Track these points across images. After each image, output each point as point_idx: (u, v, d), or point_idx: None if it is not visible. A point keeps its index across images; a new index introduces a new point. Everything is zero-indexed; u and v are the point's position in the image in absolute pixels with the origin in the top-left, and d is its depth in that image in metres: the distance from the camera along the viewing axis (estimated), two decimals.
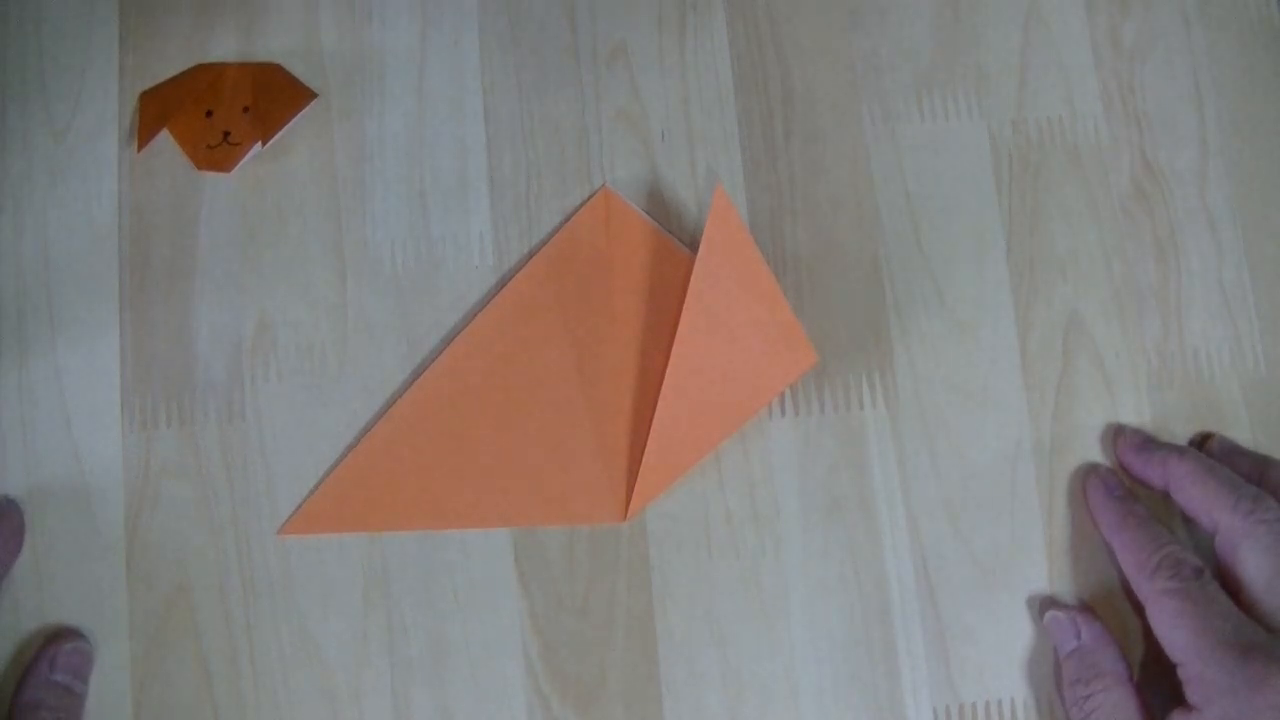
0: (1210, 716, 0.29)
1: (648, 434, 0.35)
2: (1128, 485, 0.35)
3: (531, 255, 0.37)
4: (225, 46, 0.38)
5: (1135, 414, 0.36)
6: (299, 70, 0.38)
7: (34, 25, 0.38)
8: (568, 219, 0.37)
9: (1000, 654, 0.35)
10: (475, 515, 0.35)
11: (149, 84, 0.37)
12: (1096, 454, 0.36)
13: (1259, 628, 0.30)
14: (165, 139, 0.37)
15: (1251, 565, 0.31)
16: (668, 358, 0.35)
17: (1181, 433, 0.36)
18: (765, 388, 0.35)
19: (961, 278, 0.37)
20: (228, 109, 0.37)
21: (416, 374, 0.36)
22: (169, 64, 0.38)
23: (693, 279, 0.34)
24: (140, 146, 0.37)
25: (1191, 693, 0.30)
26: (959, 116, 0.38)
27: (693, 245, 0.37)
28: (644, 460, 0.34)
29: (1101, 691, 0.32)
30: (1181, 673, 0.31)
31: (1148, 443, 0.35)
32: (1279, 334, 0.37)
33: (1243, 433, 0.37)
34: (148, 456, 0.35)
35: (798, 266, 0.37)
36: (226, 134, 0.37)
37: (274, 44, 0.38)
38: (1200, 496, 0.33)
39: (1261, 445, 0.36)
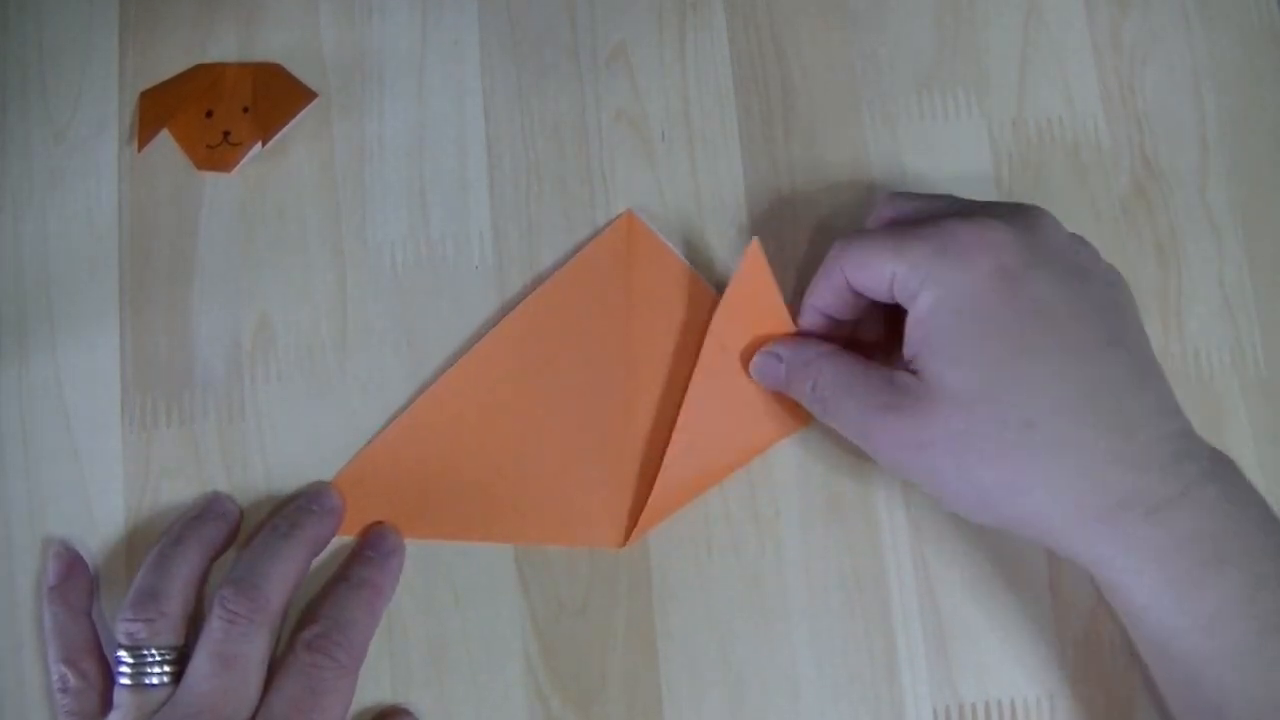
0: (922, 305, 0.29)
1: (655, 464, 0.34)
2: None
3: (532, 257, 0.37)
4: (225, 46, 0.38)
5: None
6: (299, 70, 0.38)
7: (34, 25, 0.38)
8: (567, 236, 0.36)
9: (1000, 654, 0.35)
10: (475, 530, 0.35)
11: (149, 84, 0.37)
12: None
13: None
14: (165, 139, 0.37)
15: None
16: (681, 390, 0.35)
17: None
18: (775, 430, 0.35)
19: None
20: (228, 109, 0.37)
21: (416, 374, 0.36)
22: (169, 64, 0.38)
23: (713, 322, 0.34)
24: (140, 146, 0.37)
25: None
26: (959, 116, 0.38)
27: (692, 248, 0.37)
28: (653, 491, 0.34)
29: (820, 370, 0.32)
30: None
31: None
32: (1279, 334, 0.37)
33: (1243, 433, 0.37)
34: (148, 456, 0.35)
35: (798, 267, 0.37)
36: (226, 134, 0.37)
37: (274, 44, 0.38)
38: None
39: (1262, 445, 0.36)
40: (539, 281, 0.36)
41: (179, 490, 0.35)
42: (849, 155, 0.38)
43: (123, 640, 0.31)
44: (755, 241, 0.34)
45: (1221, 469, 0.29)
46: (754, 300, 0.35)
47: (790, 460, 0.36)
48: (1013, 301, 0.28)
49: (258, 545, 0.32)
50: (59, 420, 0.35)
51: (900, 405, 0.29)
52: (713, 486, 0.35)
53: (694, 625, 0.35)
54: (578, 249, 0.36)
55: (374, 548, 0.34)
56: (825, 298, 0.33)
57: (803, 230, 0.37)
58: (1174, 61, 0.39)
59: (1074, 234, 0.31)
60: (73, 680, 0.32)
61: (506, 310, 0.36)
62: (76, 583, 0.34)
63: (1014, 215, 0.30)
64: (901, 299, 0.30)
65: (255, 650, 0.30)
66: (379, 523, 0.34)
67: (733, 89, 0.38)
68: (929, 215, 0.31)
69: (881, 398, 0.30)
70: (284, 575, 0.31)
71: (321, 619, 0.32)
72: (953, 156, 0.38)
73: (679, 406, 0.35)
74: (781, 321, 0.35)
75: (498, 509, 0.35)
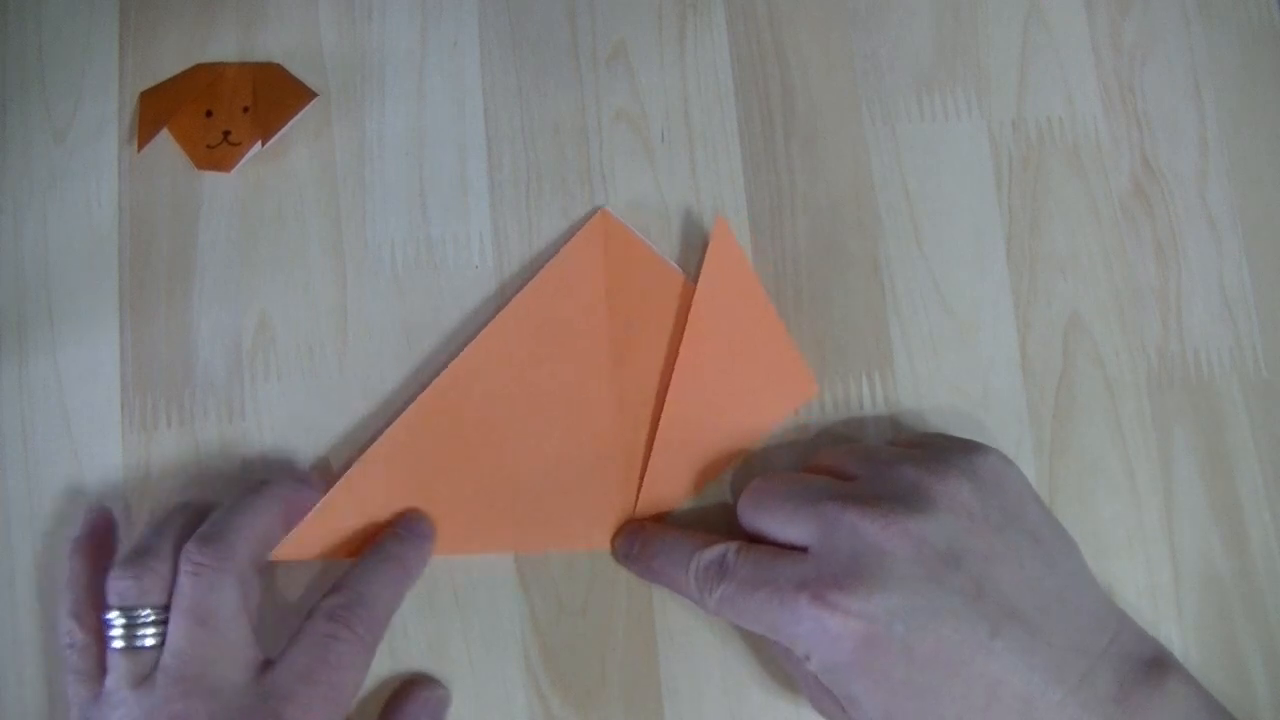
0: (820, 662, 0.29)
1: (645, 461, 0.35)
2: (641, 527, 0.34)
3: (532, 257, 0.37)
4: (225, 46, 0.38)
5: (1135, 414, 0.36)
6: (299, 70, 0.38)
7: (34, 25, 0.38)
8: (567, 237, 0.37)
9: None
10: (471, 541, 0.34)
11: (149, 84, 0.37)
12: (1097, 454, 0.36)
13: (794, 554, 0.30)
14: (165, 139, 0.37)
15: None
16: (665, 384, 0.35)
17: (1182, 433, 0.36)
18: (763, 418, 0.35)
19: (961, 278, 0.37)
20: (228, 109, 0.37)
21: (416, 374, 0.36)
22: (169, 64, 0.38)
23: (693, 310, 0.35)
24: (140, 146, 0.37)
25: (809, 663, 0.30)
26: (959, 116, 0.38)
27: (692, 248, 0.37)
28: (642, 490, 0.34)
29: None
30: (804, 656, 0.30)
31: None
32: (1279, 334, 0.37)
33: (1242, 433, 0.37)
34: (148, 456, 0.35)
35: (798, 266, 0.37)
36: (226, 134, 0.37)
37: (274, 44, 0.38)
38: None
39: (1262, 446, 0.37)
40: None
41: (179, 490, 0.35)
42: (849, 155, 0.38)
43: (112, 600, 0.30)
44: (720, 220, 0.34)
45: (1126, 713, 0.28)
46: (729, 282, 0.35)
47: (790, 459, 0.36)
48: (886, 662, 0.28)
49: (226, 502, 0.32)
50: (59, 420, 0.35)
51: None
52: (710, 480, 0.35)
53: (694, 625, 0.35)
54: (554, 242, 0.36)
55: (406, 527, 0.33)
56: None
57: (802, 230, 0.37)
58: (1174, 61, 0.39)
59: (966, 463, 0.31)
60: (79, 636, 0.31)
61: None
62: (101, 539, 0.33)
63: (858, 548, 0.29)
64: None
65: (226, 601, 0.30)
66: (413, 508, 0.34)
67: (733, 89, 0.38)
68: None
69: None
70: (249, 525, 0.31)
71: (344, 590, 0.31)
72: (953, 156, 0.38)
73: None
74: (757, 302, 0.35)
75: (491, 520, 0.34)
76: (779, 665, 0.34)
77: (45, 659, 0.34)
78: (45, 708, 0.34)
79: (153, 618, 0.30)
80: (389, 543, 0.33)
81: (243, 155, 0.37)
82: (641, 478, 0.35)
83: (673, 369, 0.35)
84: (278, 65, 0.38)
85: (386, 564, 0.32)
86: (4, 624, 0.34)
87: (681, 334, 0.35)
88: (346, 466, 0.35)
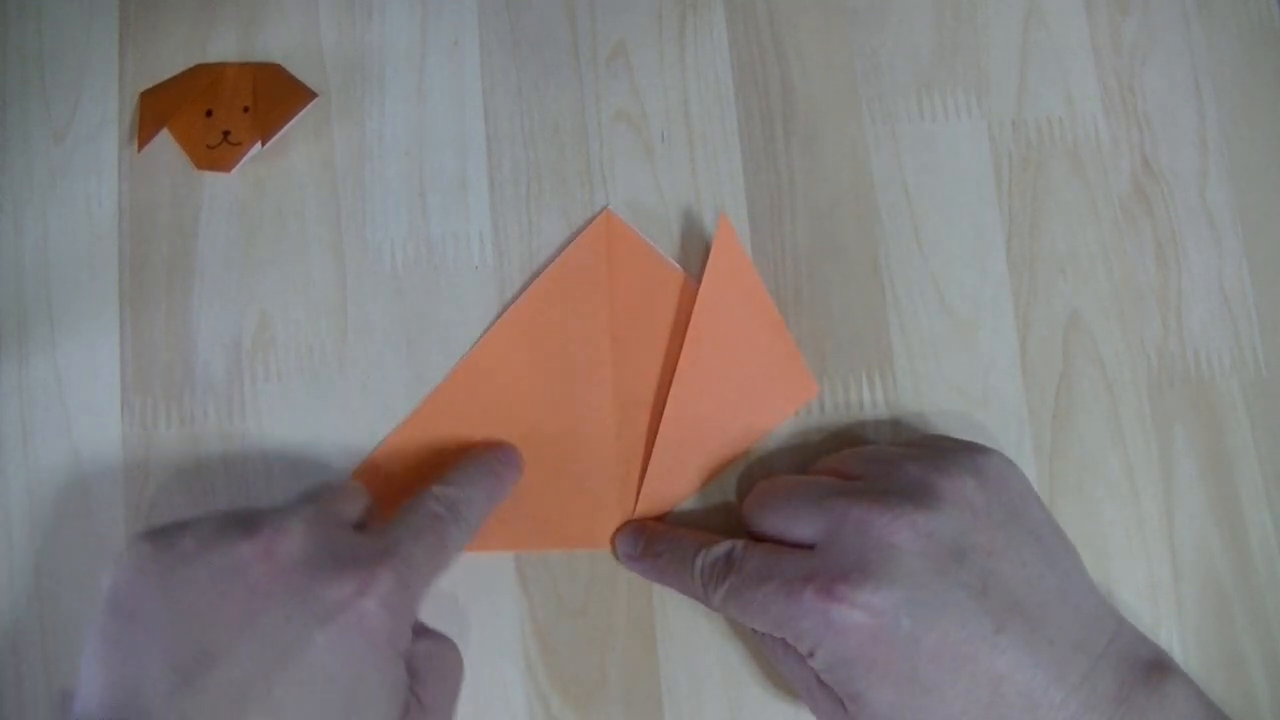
0: (821, 658, 0.29)
1: (646, 461, 0.35)
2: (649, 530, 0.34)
3: (532, 256, 0.37)
4: (225, 46, 0.38)
5: (1135, 414, 0.36)
6: (299, 70, 0.38)
7: (34, 25, 0.38)
8: (571, 238, 0.37)
9: None
10: (471, 541, 0.34)
11: (149, 84, 0.37)
12: (1097, 454, 0.36)
13: (793, 551, 0.30)
14: (165, 139, 0.37)
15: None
16: (667, 385, 0.35)
17: (1182, 433, 0.36)
18: (764, 419, 0.35)
19: (961, 278, 0.37)
20: (228, 109, 0.37)
21: (416, 374, 0.36)
22: (169, 64, 0.38)
23: (696, 309, 0.35)
24: (140, 146, 0.37)
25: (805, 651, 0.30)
26: (959, 116, 0.38)
27: (691, 248, 0.37)
28: (642, 490, 0.34)
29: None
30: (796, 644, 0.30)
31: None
32: (1279, 334, 0.37)
33: (1243, 433, 0.37)
34: (148, 456, 0.35)
35: (798, 266, 0.37)
36: (226, 134, 0.37)
37: (274, 44, 0.38)
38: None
39: (1262, 446, 0.37)
40: None
41: (179, 490, 0.35)
42: (849, 155, 0.38)
43: None
44: (724, 218, 0.34)
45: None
46: (732, 281, 0.35)
47: (790, 459, 0.36)
48: (892, 656, 0.28)
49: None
50: (59, 420, 0.35)
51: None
52: (710, 481, 0.35)
53: (694, 625, 0.35)
54: (558, 252, 0.37)
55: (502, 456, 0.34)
56: None
57: (802, 230, 0.37)
58: (1174, 61, 0.39)
59: (966, 462, 0.31)
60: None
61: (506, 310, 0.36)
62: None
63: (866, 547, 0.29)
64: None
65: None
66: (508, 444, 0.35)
67: (733, 89, 0.38)
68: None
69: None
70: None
71: (452, 485, 0.32)
72: (953, 156, 0.38)
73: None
74: (760, 301, 0.35)
75: (491, 520, 0.34)
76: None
77: (45, 659, 0.34)
78: (45, 707, 0.34)
79: None
80: (489, 460, 0.33)
81: (243, 155, 0.37)
82: (641, 478, 0.35)
83: (674, 369, 0.35)
84: (278, 65, 0.38)
85: (486, 477, 0.33)
86: (4, 623, 0.34)
87: (684, 333, 0.35)
88: (346, 466, 0.35)
